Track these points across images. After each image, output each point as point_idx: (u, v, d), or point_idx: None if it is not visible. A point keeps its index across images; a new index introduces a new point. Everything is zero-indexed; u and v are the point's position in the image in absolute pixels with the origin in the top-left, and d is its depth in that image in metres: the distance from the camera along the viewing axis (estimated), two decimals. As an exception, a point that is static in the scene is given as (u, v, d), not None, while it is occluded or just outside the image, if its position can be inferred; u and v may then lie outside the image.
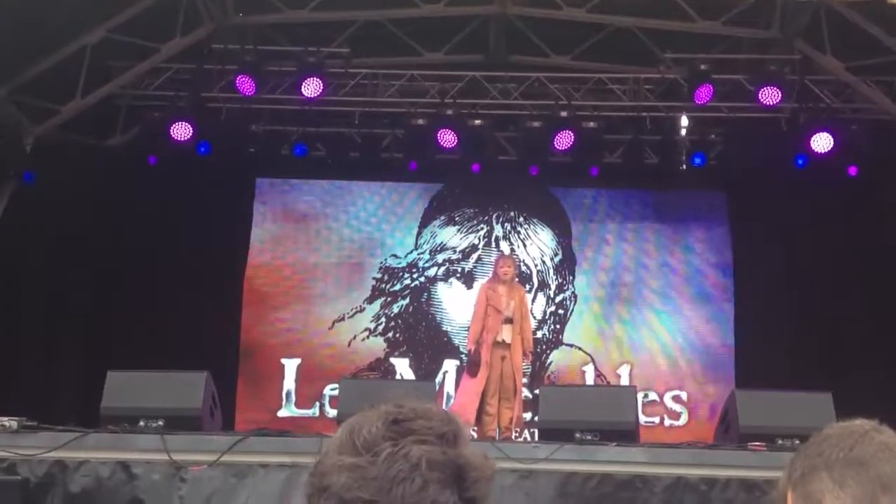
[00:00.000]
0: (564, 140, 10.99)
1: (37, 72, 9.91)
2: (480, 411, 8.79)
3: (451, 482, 1.16)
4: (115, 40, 10.02)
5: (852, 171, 11.06)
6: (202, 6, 10.23)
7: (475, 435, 8.52)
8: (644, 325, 12.27)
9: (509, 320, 9.05)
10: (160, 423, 6.28)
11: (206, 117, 11.30)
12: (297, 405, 12.00)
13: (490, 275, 9.87)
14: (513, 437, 8.84)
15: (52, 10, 8.86)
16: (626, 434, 6.57)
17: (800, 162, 11.15)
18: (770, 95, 10.45)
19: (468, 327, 9.61)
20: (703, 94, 10.48)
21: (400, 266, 12.50)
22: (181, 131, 10.87)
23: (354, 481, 1.15)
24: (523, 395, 10.40)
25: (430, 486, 1.14)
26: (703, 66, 10.52)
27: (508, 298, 9.12)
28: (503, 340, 8.99)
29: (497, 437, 8.51)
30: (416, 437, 1.17)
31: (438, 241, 12.59)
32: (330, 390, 11.60)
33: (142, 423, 6.29)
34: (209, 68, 11.06)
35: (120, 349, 10.24)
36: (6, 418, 6.17)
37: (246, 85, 10.52)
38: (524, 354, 9.29)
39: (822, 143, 10.64)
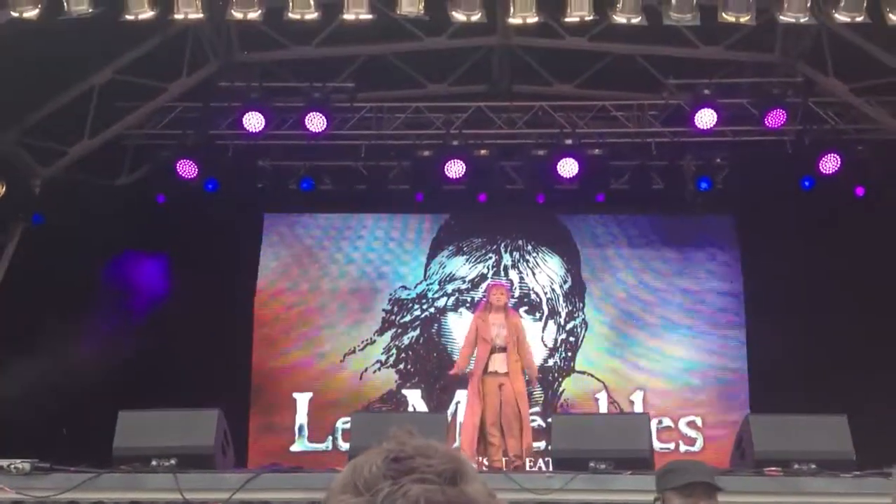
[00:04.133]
0: (569, 168, 11.02)
1: (45, 114, 10.00)
2: (482, 442, 8.65)
3: None
4: (121, 81, 10.12)
5: (859, 191, 11.05)
6: (208, 45, 10.34)
7: (485, 467, 8.41)
8: (656, 350, 12.22)
9: (502, 349, 8.91)
10: (173, 461, 6.26)
11: (214, 154, 11.38)
12: (310, 439, 11.96)
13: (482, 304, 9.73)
14: (526, 466, 8.73)
15: (58, 52, 8.95)
16: (641, 462, 6.52)
17: (807, 184, 11.16)
18: (776, 118, 10.48)
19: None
20: (706, 118, 10.51)
21: (409, 297, 12.50)
22: (188, 169, 10.95)
23: None
24: (536, 423, 10.32)
25: None
26: (706, 91, 10.57)
27: (500, 327, 8.97)
28: (495, 371, 8.87)
29: (504, 467, 8.35)
30: (415, 475, 1.15)
31: (447, 272, 12.60)
32: (342, 424, 11.56)
33: (154, 463, 6.27)
34: (216, 106, 11.15)
35: (131, 388, 10.22)
36: (18, 460, 6.16)
37: (255, 121, 10.58)
38: (530, 381, 9.20)
39: (828, 164, 10.65)
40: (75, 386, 10.31)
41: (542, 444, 9.87)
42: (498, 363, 8.85)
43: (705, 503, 3.64)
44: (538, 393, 11.50)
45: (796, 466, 6.27)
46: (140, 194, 11.41)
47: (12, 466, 6.12)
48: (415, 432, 1.23)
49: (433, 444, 1.20)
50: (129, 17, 8.28)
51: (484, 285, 12.46)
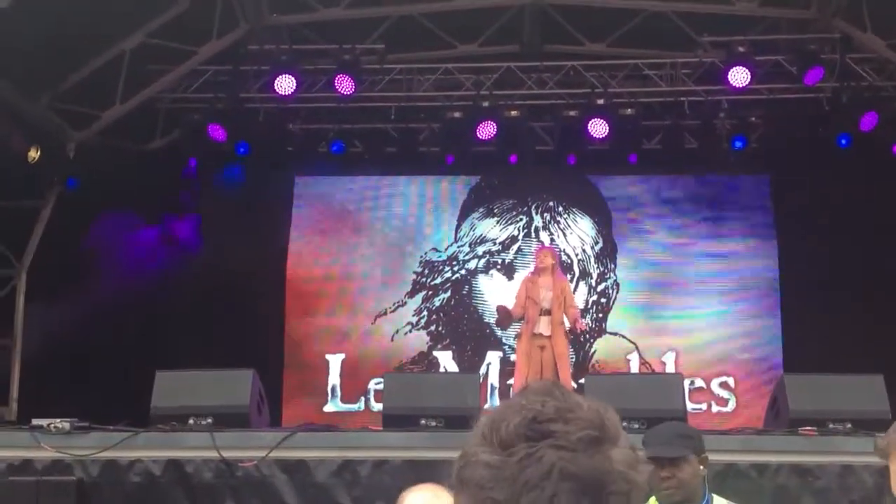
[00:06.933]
0: (600, 128, 10.91)
1: (76, 79, 10.05)
2: None
3: (586, 493, 1.08)
4: (152, 45, 10.14)
5: (896, 149, 10.87)
6: (237, 7, 10.32)
7: None
8: (688, 311, 12.16)
9: (546, 312, 8.96)
10: (209, 420, 6.34)
11: (244, 117, 11.40)
12: (343, 400, 12.08)
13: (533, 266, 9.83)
14: None
15: (89, 17, 8.96)
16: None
17: (843, 142, 10.98)
18: (813, 75, 10.31)
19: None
20: (739, 76, 10.34)
21: (440, 259, 12.52)
22: (220, 133, 10.99)
23: (489, 480, 1.10)
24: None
25: (561, 496, 1.07)
26: (740, 49, 10.38)
27: (546, 290, 9.02)
28: (540, 333, 8.92)
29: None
30: (552, 440, 1.10)
31: (478, 234, 12.59)
32: (374, 385, 11.66)
33: (191, 422, 6.35)
34: (246, 69, 11.15)
35: (167, 348, 10.36)
36: (58, 420, 6.26)
37: (286, 83, 10.54)
38: (575, 321, 9.17)
39: (865, 121, 10.48)
40: (112, 347, 10.48)
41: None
42: (542, 325, 8.92)
43: (668, 471, 3.63)
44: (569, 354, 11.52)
45: (831, 426, 6.22)
46: (173, 158, 11.49)
47: (52, 426, 6.23)
48: (557, 389, 1.17)
49: (575, 405, 1.14)
50: (159, -20, 8.27)
51: (515, 247, 12.47)
